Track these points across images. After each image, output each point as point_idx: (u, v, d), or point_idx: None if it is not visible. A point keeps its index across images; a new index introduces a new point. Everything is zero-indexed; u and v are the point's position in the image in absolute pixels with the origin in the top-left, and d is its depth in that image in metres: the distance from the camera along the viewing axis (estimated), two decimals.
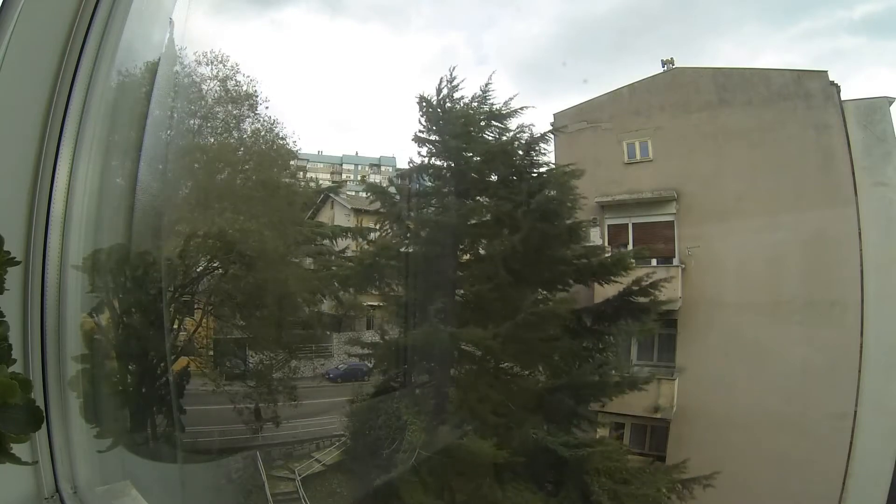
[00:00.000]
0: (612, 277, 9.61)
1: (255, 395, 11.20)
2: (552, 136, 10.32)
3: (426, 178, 10.64)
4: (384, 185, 11.40)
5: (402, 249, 10.36)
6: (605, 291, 10.12)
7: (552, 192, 9.43)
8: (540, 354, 9.09)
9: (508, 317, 8.64)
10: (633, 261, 9.65)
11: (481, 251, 9.97)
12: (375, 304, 13.21)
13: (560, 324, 8.71)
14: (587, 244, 11.12)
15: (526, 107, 10.13)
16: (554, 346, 9.07)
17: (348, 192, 22.12)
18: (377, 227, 11.56)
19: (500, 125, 10.16)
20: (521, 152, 10.11)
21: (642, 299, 9.51)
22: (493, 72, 10.16)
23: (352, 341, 11.46)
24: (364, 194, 12.11)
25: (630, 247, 12.42)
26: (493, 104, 10.20)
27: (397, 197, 11.15)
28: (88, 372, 1.55)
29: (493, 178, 10.18)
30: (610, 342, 10.04)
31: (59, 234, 1.41)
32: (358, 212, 16.67)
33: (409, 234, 10.46)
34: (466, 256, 10.21)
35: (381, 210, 11.13)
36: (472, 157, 10.04)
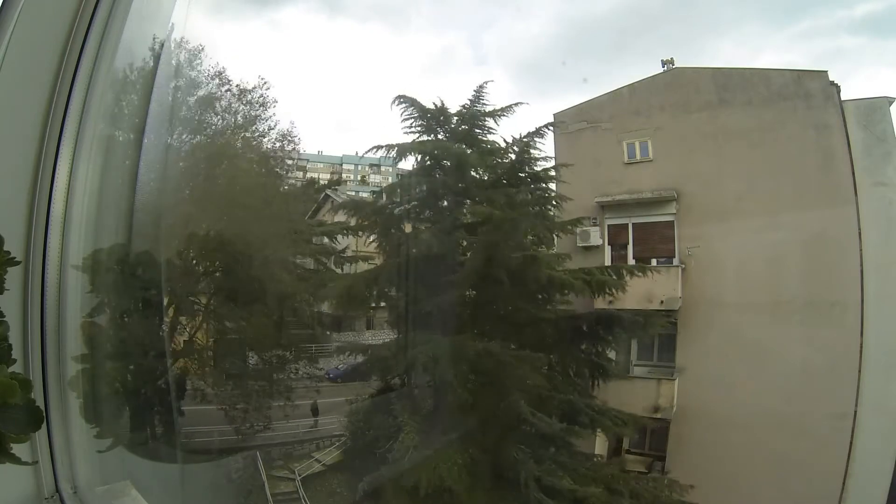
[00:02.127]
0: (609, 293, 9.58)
1: (254, 394, 11.21)
2: (545, 134, 10.31)
3: (420, 182, 10.60)
4: (381, 184, 11.28)
5: (397, 258, 10.30)
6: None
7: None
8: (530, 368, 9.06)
9: (505, 319, 8.61)
10: (630, 275, 9.54)
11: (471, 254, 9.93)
12: (376, 304, 13.19)
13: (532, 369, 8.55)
14: (586, 243, 11.13)
15: (520, 103, 10.17)
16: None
17: (348, 192, 22.12)
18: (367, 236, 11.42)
19: (493, 124, 10.18)
20: (513, 156, 10.11)
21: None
22: (488, 81, 10.03)
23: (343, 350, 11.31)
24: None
25: (630, 247, 12.42)
26: (485, 105, 10.23)
27: (384, 202, 11.04)
28: (88, 372, 1.55)
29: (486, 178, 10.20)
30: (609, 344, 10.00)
31: (59, 234, 1.41)
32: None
33: (401, 242, 10.38)
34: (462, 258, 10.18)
35: (368, 221, 10.96)
36: (469, 156, 10.01)
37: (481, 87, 10.12)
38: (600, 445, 10.80)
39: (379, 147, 9.82)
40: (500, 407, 7.70)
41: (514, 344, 9.63)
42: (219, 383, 11.14)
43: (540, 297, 9.44)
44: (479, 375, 7.90)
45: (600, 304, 10.23)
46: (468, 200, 9.89)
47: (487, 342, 8.45)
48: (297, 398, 12.14)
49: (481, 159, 9.82)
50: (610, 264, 11.56)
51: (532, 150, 10.14)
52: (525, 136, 10.09)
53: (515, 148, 10.16)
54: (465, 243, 9.75)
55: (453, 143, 9.95)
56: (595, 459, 9.55)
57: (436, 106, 10.12)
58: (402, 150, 9.79)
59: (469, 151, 9.83)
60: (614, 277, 9.47)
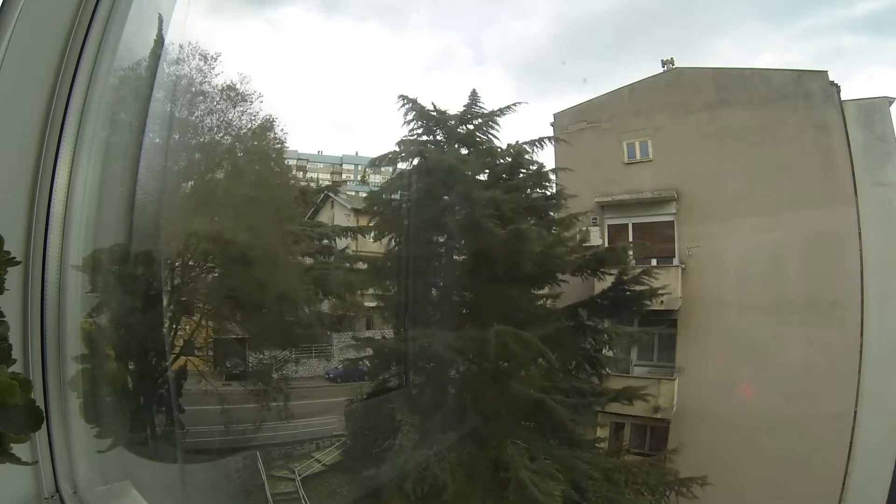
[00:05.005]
0: (606, 270, 9.54)
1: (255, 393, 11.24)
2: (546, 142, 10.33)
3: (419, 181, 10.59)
4: (380, 185, 11.25)
5: (397, 251, 10.30)
6: (605, 286, 10.11)
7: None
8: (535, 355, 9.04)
9: (505, 316, 8.60)
10: (630, 253, 9.49)
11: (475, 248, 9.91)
12: (375, 304, 13.20)
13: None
14: (587, 244, 11.12)
15: (518, 103, 10.19)
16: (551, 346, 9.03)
17: (348, 192, 22.13)
18: (373, 231, 11.41)
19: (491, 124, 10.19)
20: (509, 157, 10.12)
21: (637, 288, 9.47)
22: (475, 90, 10.10)
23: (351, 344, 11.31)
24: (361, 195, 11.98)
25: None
26: (483, 108, 10.24)
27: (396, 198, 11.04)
28: (88, 372, 1.55)
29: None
30: (609, 340, 9.96)
31: (59, 234, 1.41)
32: (358, 212, 16.69)
33: (404, 238, 10.37)
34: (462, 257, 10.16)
35: (377, 215, 10.95)
36: (466, 158, 10.02)
37: (474, 93, 10.19)
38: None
39: (395, 153, 9.84)
40: (506, 396, 7.68)
41: None
42: (219, 382, 11.15)
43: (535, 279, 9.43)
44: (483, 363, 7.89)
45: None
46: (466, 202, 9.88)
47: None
48: (297, 398, 12.15)
49: (475, 163, 9.81)
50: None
51: (528, 155, 10.14)
52: (525, 142, 10.11)
53: (512, 151, 10.17)
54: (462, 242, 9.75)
55: (451, 143, 9.95)
56: (597, 448, 9.52)
57: (434, 107, 10.14)
58: (407, 148, 9.81)
59: (464, 153, 9.85)
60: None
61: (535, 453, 7.53)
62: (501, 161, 10.20)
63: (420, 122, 10.06)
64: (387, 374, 9.80)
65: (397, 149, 9.89)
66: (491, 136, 10.27)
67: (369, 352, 10.08)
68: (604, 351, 10.23)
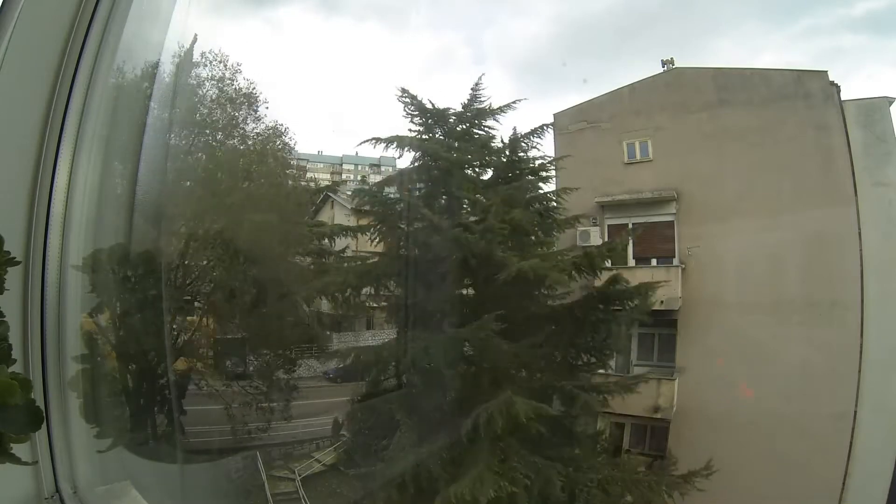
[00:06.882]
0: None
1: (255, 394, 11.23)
2: (543, 133, 10.29)
3: (417, 180, 10.56)
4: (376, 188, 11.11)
5: (398, 253, 10.26)
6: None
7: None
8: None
9: (503, 317, 8.61)
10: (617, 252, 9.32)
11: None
12: (375, 304, 13.17)
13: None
14: (587, 243, 11.10)
15: (519, 100, 10.15)
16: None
17: (348, 192, 22.12)
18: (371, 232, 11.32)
19: (492, 123, 10.17)
20: (508, 152, 10.10)
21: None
22: (483, 74, 10.03)
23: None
24: (357, 199, 11.96)
25: (630, 247, 12.41)
26: (482, 102, 10.20)
27: (392, 196, 10.98)
28: (88, 372, 1.55)
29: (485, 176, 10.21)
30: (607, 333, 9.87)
31: (59, 234, 1.41)
32: (358, 212, 16.67)
33: (403, 239, 10.33)
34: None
35: (373, 214, 10.88)
36: (463, 155, 9.99)
37: (477, 84, 10.13)
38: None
39: (378, 140, 9.69)
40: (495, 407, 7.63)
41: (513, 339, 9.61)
42: (219, 382, 11.15)
43: (535, 292, 9.36)
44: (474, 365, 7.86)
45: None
46: (465, 200, 9.85)
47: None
48: (297, 398, 12.16)
49: (475, 157, 9.79)
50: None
51: (528, 146, 10.11)
52: (523, 135, 10.08)
53: (512, 145, 10.15)
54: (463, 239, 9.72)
55: (451, 142, 9.94)
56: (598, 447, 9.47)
57: (432, 105, 10.11)
58: (402, 143, 9.73)
59: (456, 155, 9.82)
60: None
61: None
62: (502, 158, 10.17)
63: (420, 120, 10.02)
64: (383, 377, 9.77)
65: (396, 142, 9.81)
66: (490, 132, 10.23)
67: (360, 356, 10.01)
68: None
